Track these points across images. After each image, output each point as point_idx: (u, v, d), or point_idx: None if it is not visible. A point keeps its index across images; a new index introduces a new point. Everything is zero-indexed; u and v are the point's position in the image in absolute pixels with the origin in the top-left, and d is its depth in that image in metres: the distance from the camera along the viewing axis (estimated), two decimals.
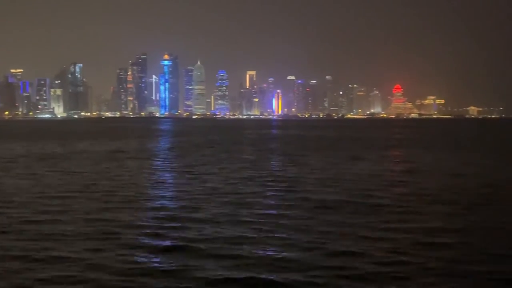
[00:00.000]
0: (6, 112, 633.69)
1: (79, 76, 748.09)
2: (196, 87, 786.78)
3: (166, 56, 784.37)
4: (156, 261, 19.37)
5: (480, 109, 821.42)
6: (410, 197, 33.11)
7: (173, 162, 59.00)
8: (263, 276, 17.64)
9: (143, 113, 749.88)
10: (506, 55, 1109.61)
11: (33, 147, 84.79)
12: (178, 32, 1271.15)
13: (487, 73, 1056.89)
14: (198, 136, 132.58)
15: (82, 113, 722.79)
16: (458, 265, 18.68)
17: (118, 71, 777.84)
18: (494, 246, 21.26)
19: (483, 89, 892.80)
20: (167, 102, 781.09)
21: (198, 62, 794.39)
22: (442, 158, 62.68)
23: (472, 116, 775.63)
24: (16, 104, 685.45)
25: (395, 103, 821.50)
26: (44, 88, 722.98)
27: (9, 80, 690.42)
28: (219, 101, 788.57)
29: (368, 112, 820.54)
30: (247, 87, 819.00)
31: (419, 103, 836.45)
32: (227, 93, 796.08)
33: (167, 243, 21.72)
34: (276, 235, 22.95)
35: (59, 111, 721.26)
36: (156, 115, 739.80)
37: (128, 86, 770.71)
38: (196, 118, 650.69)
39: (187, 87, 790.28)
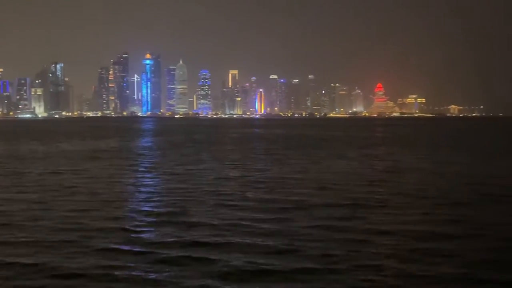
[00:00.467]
0: None
1: (60, 76, 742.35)
2: (179, 86, 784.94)
3: (148, 55, 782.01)
4: (122, 265, 18.68)
5: (461, 107, 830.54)
6: (388, 196, 32.69)
7: (151, 162, 58.12)
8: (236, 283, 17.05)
9: (125, 113, 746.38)
10: (487, 54, 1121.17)
11: (12, 146, 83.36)
12: (160, 31, 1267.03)
13: (468, 72, 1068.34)
14: (180, 136, 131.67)
15: (63, 113, 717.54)
16: (436, 267, 18.27)
17: (100, 70, 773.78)
18: (475, 245, 20.90)
19: (464, 88, 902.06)
20: (149, 102, 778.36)
21: (180, 61, 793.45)
22: (421, 157, 62.58)
23: (453, 115, 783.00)
24: None
25: (377, 102, 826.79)
26: (25, 87, 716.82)
27: None
28: (202, 100, 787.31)
29: (350, 111, 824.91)
30: (230, 86, 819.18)
31: (400, 102, 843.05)
32: (209, 92, 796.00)
33: (136, 247, 21.04)
34: (245, 239, 22.35)
35: (40, 111, 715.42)
36: (138, 115, 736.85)
37: (109, 85, 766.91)
38: (179, 117, 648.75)
39: (169, 86, 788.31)
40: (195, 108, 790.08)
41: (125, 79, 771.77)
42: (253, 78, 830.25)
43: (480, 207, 29.30)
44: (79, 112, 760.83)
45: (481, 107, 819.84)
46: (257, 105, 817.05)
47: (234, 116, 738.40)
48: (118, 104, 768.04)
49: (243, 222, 25.03)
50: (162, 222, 25.31)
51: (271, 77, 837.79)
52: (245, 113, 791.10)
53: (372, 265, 18.45)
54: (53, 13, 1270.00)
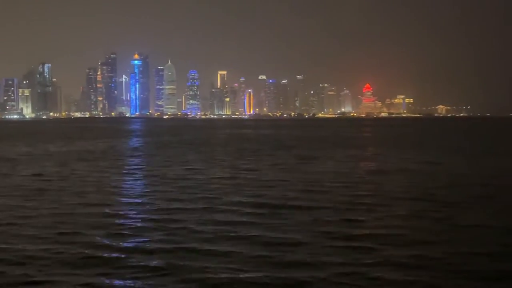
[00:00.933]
0: None
1: (47, 76, 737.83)
2: (167, 87, 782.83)
3: (136, 56, 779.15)
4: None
5: (449, 107, 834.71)
6: (372, 197, 32.50)
7: (137, 163, 57.66)
8: None
9: (113, 113, 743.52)
10: (474, 55, 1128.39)
11: None
12: (148, 31, 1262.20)
13: (455, 73, 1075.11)
14: (168, 136, 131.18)
15: (51, 114, 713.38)
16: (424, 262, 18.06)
17: (88, 71, 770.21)
18: (462, 243, 20.73)
19: (451, 89, 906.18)
20: (137, 102, 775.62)
21: (169, 62, 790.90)
22: (407, 157, 62.59)
23: (441, 115, 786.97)
24: None
25: (365, 102, 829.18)
26: (12, 88, 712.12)
27: None
28: (190, 101, 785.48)
29: (338, 112, 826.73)
30: (218, 86, 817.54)
31: (388, 102, 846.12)
32: (198, 93, 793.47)
33: (119, 253, 20.65)
34: (228, 244, 22.05)
35: (28, 112, 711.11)
36: (127, 115, 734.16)
37: (97, 86, 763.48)
38: (167, 118, 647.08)
39: (158, 87, 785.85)
40: (184, 109, 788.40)
41: (113, 80, 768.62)
42: (242, 79, 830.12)
43: (468, 208, 29.18)
44: (67, 112, 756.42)
45: (469, 107, 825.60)
46: (246, 105, 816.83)
47: (223, 116, 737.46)
48: (106, 104, 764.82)
49: (228, 227, 24.72)
50: (145, 228, 24.93)
51: (260, 77, 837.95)
52: (234, 113, 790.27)
53: (357, 272, 18.18)
54: (41, 14, 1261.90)
